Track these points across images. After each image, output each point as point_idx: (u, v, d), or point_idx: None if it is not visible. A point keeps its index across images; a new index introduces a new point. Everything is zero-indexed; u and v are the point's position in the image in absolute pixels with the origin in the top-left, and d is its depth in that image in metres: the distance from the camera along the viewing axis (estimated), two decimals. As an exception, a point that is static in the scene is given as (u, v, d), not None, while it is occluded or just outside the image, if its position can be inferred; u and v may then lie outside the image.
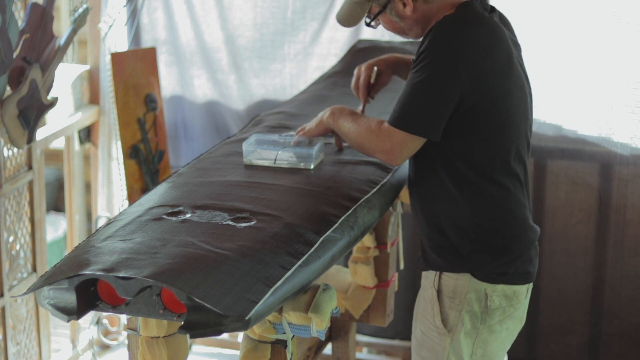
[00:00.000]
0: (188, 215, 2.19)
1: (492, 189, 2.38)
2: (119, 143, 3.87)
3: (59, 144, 4.47)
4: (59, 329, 4.16)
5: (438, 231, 2.45)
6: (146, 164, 3.89)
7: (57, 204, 5.30)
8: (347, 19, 2.46)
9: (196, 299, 1.87)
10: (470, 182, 2.37)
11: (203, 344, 4.24)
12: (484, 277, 2.41)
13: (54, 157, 4.83)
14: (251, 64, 4.03)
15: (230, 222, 2.16)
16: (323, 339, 2.19)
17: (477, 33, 2.32)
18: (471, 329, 2.44)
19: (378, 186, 2.51)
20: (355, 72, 2.73)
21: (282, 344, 2.20)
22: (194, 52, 4.09)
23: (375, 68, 2.70)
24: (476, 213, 2.39)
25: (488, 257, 2.41)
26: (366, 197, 2.44)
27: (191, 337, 1.93)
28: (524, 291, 2.48)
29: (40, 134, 3.59)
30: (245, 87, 4.07)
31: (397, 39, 3.54)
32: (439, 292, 2.45)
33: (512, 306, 2.45)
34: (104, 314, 4.03)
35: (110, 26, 3.85)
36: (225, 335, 4.03)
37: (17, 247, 3.45)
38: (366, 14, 2.44)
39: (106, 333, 4.26)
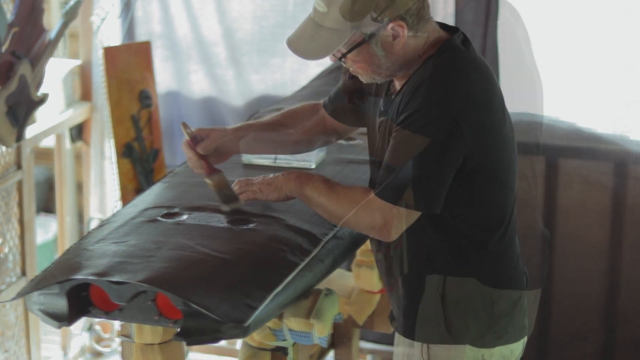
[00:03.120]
0: (184, 217, 2.19)
1: (488, 250, 2.23)
2: (112, 141, 3.87)
3: (49, 142, 4.55)
4: (49, 335, 4.15)
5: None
6: (140, 163, 3.89)
7: (47, 205, 5.33)
8: (313, 49, 2.08)
9: (193, 305, 1.86)
10: (463, 247, 2.20)
11: (200, 352, 4.24)
12: (482, 344, 2.27)
13: (44, 156, 4.85)
14: (250, 59, 4.04)
15: (228, 225, 2.16)
16: (325, 346, 2.19)
17: (475, 85, 2.11)
18: None
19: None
20: None
21: (283, 351, 2.21)
22: (191, 46, 4.10)
23: (182, 124, 2.31)
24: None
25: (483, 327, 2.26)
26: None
27: (187, 344, 1.93)
28: (520, 345, 2.34)
29: (30, 131, 3.57)
30: (244, 82, 4.07)
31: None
32: None
33: None
34: (97, 320, 4.04)
35: (103, 19, 3.85)
36: (223, 343, 4.00)
37: (6, 249, 3.45)
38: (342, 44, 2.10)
39: (98, 340, 4.25)
